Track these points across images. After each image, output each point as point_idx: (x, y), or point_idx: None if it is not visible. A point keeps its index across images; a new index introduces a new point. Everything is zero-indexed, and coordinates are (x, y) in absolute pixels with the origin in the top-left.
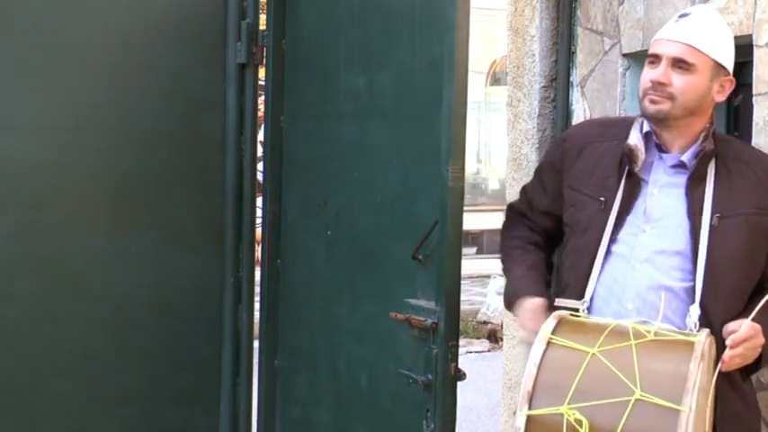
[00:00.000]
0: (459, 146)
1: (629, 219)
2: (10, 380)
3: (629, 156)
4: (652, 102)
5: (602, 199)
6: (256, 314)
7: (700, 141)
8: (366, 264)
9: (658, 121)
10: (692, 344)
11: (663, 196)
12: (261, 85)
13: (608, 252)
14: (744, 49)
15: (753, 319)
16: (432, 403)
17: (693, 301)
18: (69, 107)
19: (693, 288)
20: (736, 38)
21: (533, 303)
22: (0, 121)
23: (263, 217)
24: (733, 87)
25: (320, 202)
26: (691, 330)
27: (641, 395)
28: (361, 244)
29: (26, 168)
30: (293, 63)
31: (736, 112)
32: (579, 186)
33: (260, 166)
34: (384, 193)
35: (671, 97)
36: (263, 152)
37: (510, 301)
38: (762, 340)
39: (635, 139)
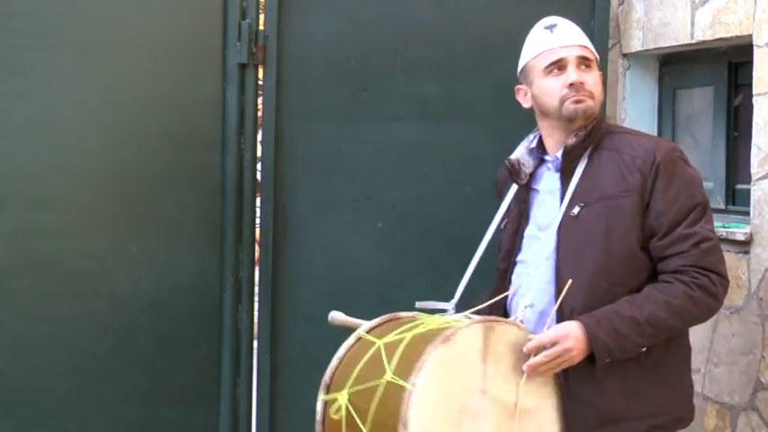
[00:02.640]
0: None
1: (527, 230)
2: (9, 380)
3: (511, 170)
4: (578, 101)
5: (501, 226)
6: (256, 314)
7: (573, 138)
8: (448, 251)
9: (586, 118)
10: (449, 329)
11: (551, 201)
12: (261, 85)
13: (514, 263)
14: (744, 49)
15: (581, 320)
16: None
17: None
18: (69, 107)
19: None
20: (736, 38)
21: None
22: (0, 122)
23: (263, 217)
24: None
25: (358, 198)
26: (516, 318)
27: (391, 378)
28: (440, 234)
29: (26, 168)
30: (302, 63)
31: (736, 112)
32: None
33: (260, 165)
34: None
35: (591, 95)
36: (263, 152)
37: None
38: (567, 345)
39: (518, 153)
